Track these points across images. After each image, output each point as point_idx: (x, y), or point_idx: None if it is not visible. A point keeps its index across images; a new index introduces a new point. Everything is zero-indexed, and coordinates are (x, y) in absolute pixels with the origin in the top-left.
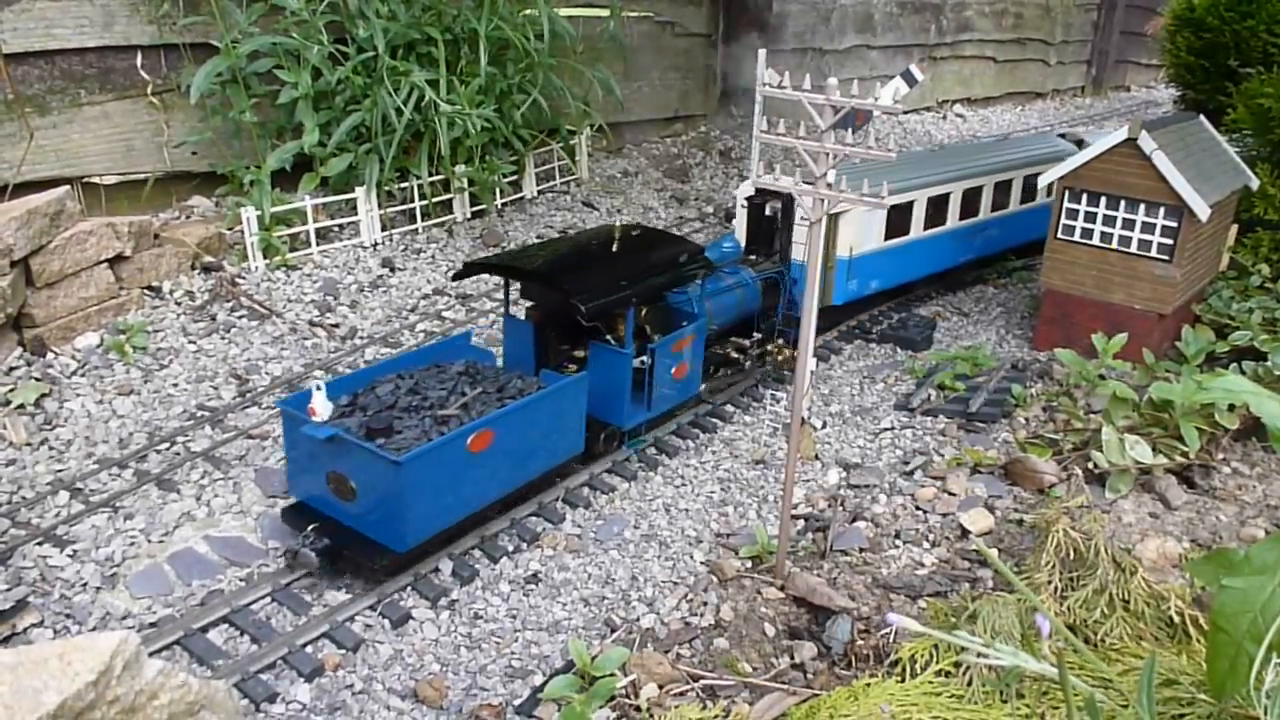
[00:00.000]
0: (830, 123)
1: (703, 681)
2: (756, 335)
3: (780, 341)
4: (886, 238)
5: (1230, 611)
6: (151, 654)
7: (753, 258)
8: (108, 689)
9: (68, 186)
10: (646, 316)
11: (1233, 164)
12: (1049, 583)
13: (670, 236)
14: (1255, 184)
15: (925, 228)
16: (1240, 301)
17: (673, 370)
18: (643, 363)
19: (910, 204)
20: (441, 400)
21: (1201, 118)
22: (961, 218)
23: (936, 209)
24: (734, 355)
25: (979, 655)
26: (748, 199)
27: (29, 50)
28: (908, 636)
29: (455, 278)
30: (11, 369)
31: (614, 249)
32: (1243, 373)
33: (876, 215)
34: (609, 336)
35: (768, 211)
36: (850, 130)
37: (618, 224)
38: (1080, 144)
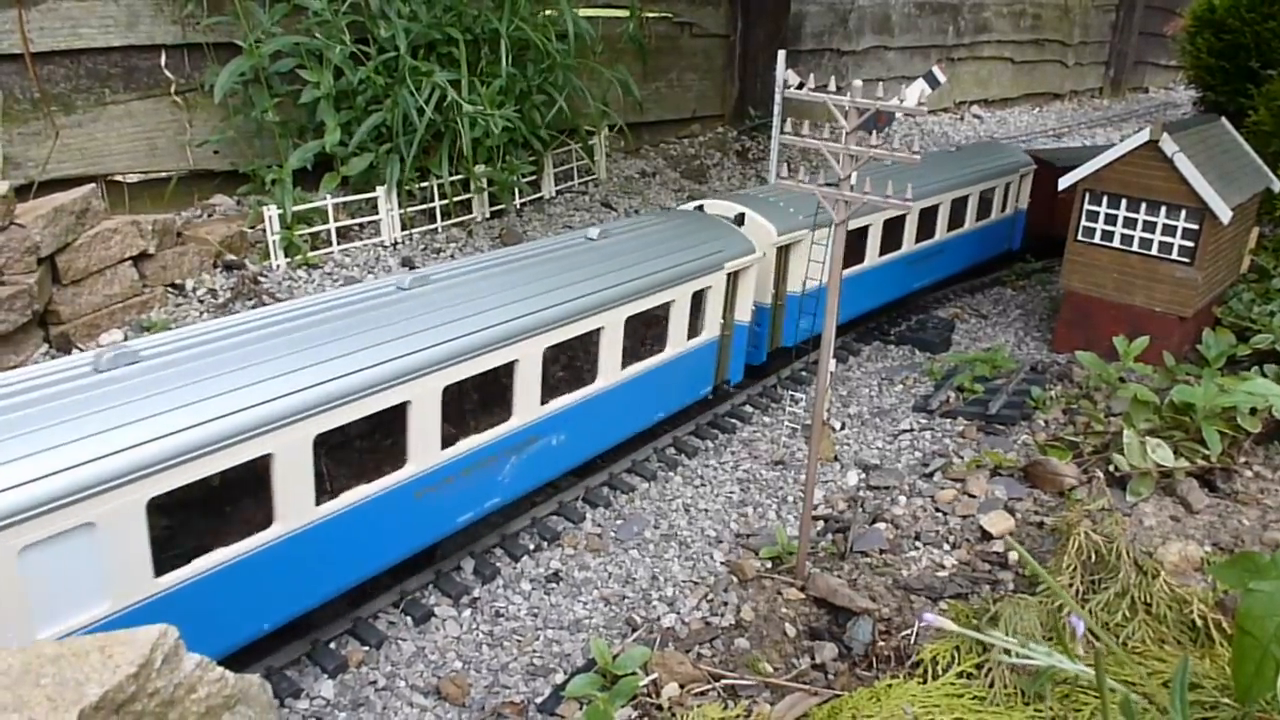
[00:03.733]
0: (855, 125)
1: (724, 681)
2: None
3: None
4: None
5: (1256, 615)
6: None
7: None
8: (148, 682)
9: (93, 184)
10: None
11: (1254, 166)
12: (1070, 585)
13: None
14: (1277, 186)
15: (464, 436)
16: (1261, 304)
17: None
18: None
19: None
20: None
21: (1223, 119)
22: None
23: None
24: None
25: (1013, 654)
26: None
27: (55, 49)
28: (930, 638)
29: None
30: None
31: None
32: (1265, 376)
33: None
34: None
35: None
36: (872, 132)
37: None
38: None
